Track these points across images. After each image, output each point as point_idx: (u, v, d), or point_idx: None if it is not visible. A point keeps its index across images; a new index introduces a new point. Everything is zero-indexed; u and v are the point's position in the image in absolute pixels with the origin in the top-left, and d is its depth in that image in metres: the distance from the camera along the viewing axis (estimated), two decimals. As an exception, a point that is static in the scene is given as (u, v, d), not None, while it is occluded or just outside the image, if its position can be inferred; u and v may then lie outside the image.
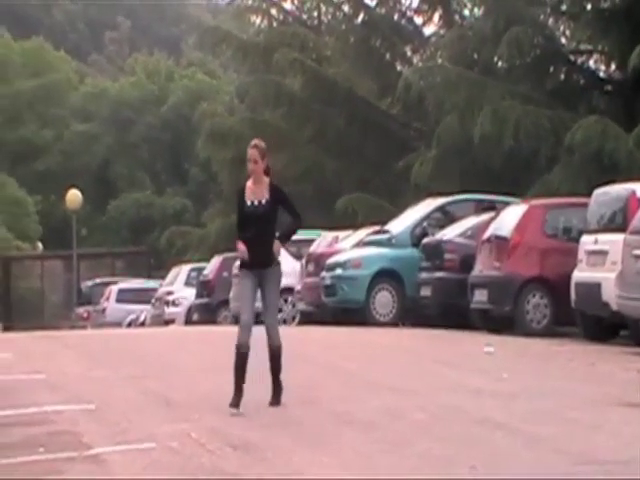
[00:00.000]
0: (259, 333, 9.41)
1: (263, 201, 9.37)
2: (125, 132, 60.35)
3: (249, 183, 9.47)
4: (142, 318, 31.34)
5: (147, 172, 60.31)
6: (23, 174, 56.84)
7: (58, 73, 65.09)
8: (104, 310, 34.75)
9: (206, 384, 10.99)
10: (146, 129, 59.96)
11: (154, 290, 31.53)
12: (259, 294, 9.53)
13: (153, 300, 30.26)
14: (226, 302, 24.00)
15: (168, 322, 27.59)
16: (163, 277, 33.36)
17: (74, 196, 38.77)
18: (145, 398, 10.29)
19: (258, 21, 39.54)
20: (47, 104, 62.57)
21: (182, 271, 30.52)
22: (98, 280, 40.25)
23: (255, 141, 9.51)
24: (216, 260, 26.95)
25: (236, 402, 9.20)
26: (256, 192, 9.39)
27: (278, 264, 9.53)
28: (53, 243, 52.16)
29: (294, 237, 10.10)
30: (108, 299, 35.09)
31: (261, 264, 9.37)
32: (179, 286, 29.38)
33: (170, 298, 28.76)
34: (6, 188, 54.52)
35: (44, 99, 62.68)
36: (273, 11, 39.81)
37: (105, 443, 8.23)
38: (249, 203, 9.39)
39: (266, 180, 9.46)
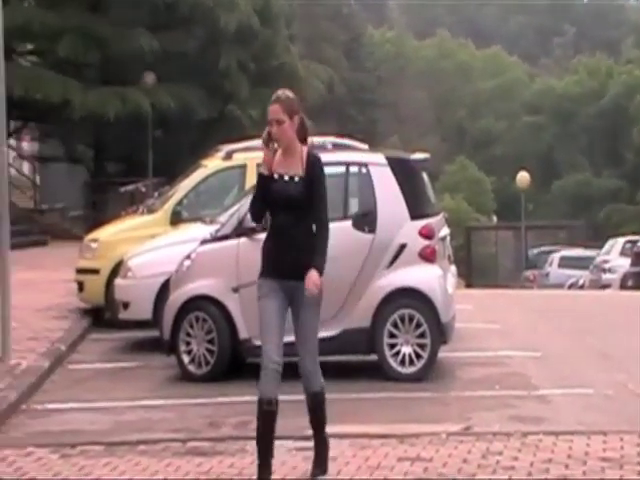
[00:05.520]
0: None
1: (296, 178, 5.40)
2: (567, 122, 60.04)
3: (275, 153, 5.44)
4: (581, 282, 30.65)
5: (585, 156, 59.50)
6: (481, 158, 58.25)
7: (511, 75, 65.99)
8: (548, 274, 34.57)
9: None
10: (585, 119, 59.19)
11: (591, 258, 30.88)
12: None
13: (591, 267, 29.60)
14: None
15: (604, 286, 26.70)
16: (599, 247, 32.51)
17: (523, 177, 38.90)
18: (583, 350, 9.97)
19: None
20: (502, 100, 63.64)
21: (617, 242, 29.72)
22: (543, 248, 40.18)
23: (278, 92, 5.47)
24: (650, 234, 25.77)
25: None
26: (286, 164, 5.43)
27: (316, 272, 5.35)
28: (505, 216, 52.66)
29: None
30: (551, 264, 34.99)
31: (293, 273, 5.36)
32: (615, 255, 28.53)
33: (606, 266, 27.99)
34: (467, 169, 56.43)
35: (499, 96, 63.94)
36: None
37: (549, 385, 8.09)
38: (277, 177, 5.42)
39: (302, 149, 5.45)
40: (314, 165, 5.42)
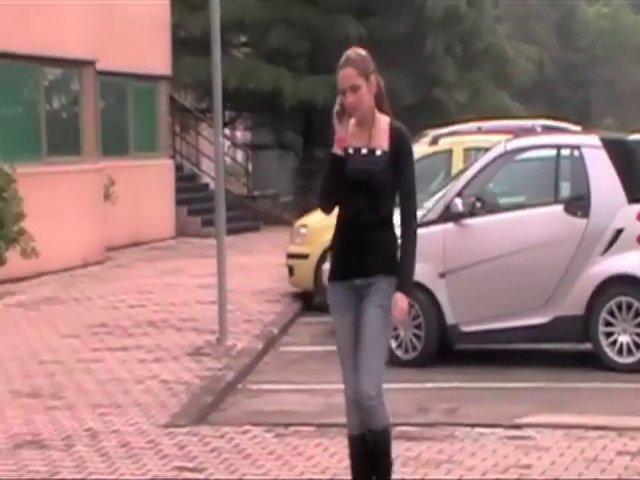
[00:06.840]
0: None
1: (378, 151, 4.31)
2: None
3: (349, 126, 4.34)
4: None
5: None
6: None
7: None
8: None
9: None
10: None
11: None
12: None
13: None
14: None
15: None
16: None
17: None
18: None
19: None
20: None
21: None
22: None
23: (348, 52, 4.36)
24: None
25: None
26: (361, 137, 4.34)
27: (390, 273, 4.32)
28: None
29: None
30: None
31: (361, 270, 4.35)
32: None
33: None
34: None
35: None
36: None
37: None
38: (352, 151, 4.33)
39: (383, 120, 4.36)
40: (401, 138, 4.30)
